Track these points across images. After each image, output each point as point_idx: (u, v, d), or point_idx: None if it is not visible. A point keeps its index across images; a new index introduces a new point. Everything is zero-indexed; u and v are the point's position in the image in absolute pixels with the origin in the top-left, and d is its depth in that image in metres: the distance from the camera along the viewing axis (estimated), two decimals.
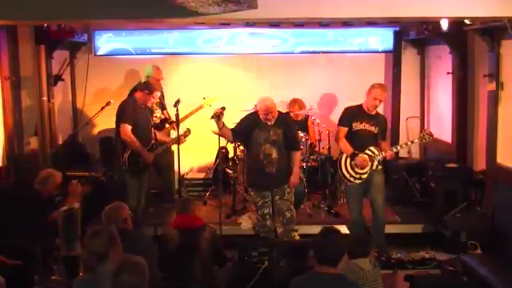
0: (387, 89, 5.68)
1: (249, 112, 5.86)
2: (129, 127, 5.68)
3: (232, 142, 6.52)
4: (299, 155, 5.75)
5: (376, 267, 3.95)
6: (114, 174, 6.53)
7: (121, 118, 5.75)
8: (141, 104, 5.84)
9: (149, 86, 5.86)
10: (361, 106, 5.62)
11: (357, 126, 5.58)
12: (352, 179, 5.60)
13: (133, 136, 5.68)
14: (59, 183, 5.12)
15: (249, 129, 5.45)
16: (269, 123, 5.38)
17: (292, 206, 5.61)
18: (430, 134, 5.65)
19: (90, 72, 7.57)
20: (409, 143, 6.03)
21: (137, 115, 5.77)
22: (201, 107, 6.79)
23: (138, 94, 5.86)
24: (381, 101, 5.59)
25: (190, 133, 6.23)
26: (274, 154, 5.38)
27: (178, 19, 4.92)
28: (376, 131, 5.61)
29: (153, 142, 5.94)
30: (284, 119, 5.59)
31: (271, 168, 5.41)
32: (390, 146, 6.09)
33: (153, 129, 6.07)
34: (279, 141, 5.40)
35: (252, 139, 5.43)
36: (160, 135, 6.24)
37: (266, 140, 5.38)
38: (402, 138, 7.71)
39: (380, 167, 5.63)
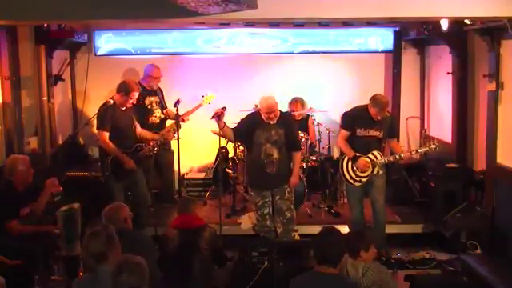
0: (385, 103, 5.50)
1: (249, 112, 5.87)
2: (106, 134, 5.64)
3: (233, 142, 6.50)
4: (300, 156, 5.74)
5: (366, 276, 3.77)
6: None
7: (98, 124, 5.72)
8: (120, 106, 5.76)
9: (125, 88, 5.75)
10: (367, 108, 5.51)
11: (360, 132, 5.53)
12: (352, 181, 5.60)
13: (110, 143, 5.62)
14: (28, 169, 5.00)
15: (250, 128, 5.44)
16: (271, 122, 5.37)
17: (292, 206, 5.61)
18: (437, 145, 5.53)
19: (90, 72, 7.57)
20: (413, 152, 5.88)
21: (116, 119, 5.69)
22: (200, 105, 6.79)
23: (116, 96, 5.76)
24: (382, 115, 5.48)
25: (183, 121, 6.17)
26: (275, 154, 5.38)
27: (177, 19, 4.92)
28: (381, 135, 5.56)
29: (137, 144, 5.85)
30: (286, 119, 5.59)
31: (272, 168, 5.40)
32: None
33: (137, 127, 5.96)
34: (280, 141, 5.39)
35: (253, 139, 5.42)
36: (146, 134, 6.09)
37: (267, 140, 5.37)
38: (402, 138, 7.72)
39: (381, 172, 5.58)
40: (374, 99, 5.46)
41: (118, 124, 5.70)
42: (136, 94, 5.82)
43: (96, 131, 5.78)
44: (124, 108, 5.79)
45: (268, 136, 5.37)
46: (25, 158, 5.10)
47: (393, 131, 5.78)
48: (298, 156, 5.63)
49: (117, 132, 5.68)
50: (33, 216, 4.92)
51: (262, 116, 5.38)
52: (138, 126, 6.02)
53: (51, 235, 5.04)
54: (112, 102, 5.74)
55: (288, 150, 5.48)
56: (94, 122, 7.06)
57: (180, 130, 5.99)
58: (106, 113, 5.69)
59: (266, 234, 5.59)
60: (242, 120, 5.67)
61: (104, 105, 5.77)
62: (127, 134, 5.81)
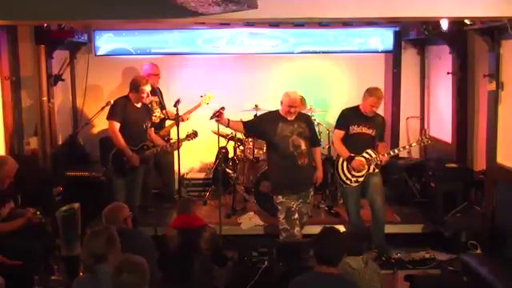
0: (382, 94, 5.64)
1: (249, 112, 5.85)
2: (116, 124, 5.66)
3: (245, 134, 6.41)
4: (320, 151, 5.72)
5: (368, 266, 3.91)
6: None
7: (109, 114, 5.77)
8: (134, 103, 5.80)
9: (134, 85, 5.78)
10: (358, 107, 5.61)
11: (354, 129, 5.57)
12: (348, 182, 5.60)
13: (119, 134, 5.64)
14: (12, 174, 4.88)
15: (272, 124, 5.33)
16: (289, 118, 5.31)
17: (309, 209, 5.64)
18: (429, 138, 5.66)
19: (90, 72, 7.57)
20: (407, 147, 6.08)
21: (128, 114, 5.73)
22: (199, 105, 6.79)
23: (130, 95, 5.83)
24: (377, 107, 5.59)
25: (196, 135, 6.06)
26: (303, 146, 5.30)
27: (177, 19, 4.92)
28: (374, 134, 5.60)
29: (144, 143, 5.85)
30: (305, 115, 5.62)
31: (303, 159, 5.30)
32: (389, 147, 6.08)
33: (150, 130, 6.01)
34: (305, 133, 5.35)
35: (277, 133, 5.29)
36: (157, 139, 6.13)
37: (292, 132, 5.30)
38: (402, 138, 7.72)
39: (377, 170, 5.63)
40: (369, 90, 5.53)
41: (128, 118, 5.72)
42: (146, 88, 5.79)
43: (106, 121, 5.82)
44: (139, 105, 5.83)
45: (292, 129, 5.31)
46: (15, 164, 4.94)
47: (382, 134, 5.79)
48: (318, 151, 5.64)
49: (125, 126, 5.70)
50: None
51: (282, 111, 5.33)
52: (152, 130, 6.04)
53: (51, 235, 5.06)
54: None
55: (310, 145, 5.44)
56: (94, 121, 7.13)
57: (180, 130, 5.96)
58: (118, 104, 5.77)
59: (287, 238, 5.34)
60: (259, 116, 5.61)
61: (117, 99, 5.89)
62: (136, 130, 5.79)
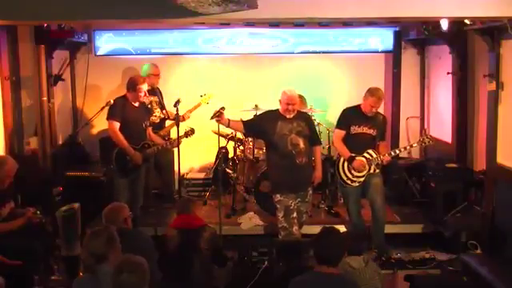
0: (383, 95, 5.65)
1: (248, 112, 5.84)
2: (116, 124, 5.67)
3: (244, 134, 6.44)
4: (320, 150, 5.71)
5: (368, 265, 3.93)
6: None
7: (108, 115, 5.78)
8: (132, 102, 5.81)
9: (131, 84, 5.80)
10: (359, 107, 5.60)
11: (355, 129, 5.56)
12: (349, 182, 5.60)
13: (119, 133, 5.66)
14: (12, 173, 4.88)
15: (271, 123, 5.34)
16: (288, 116, 5.32)
17: (308, 208, 5.63)
18: (430, 138, 5.65)
19: (90, 72, 7.57)
20: (408, 147, 6.07)
21: (127, 113, 5.75)
22: (199, 105, 6.79)
23: (127, 95, 5.84)
24: (378, 107, 5.59)
25: (193, 132, 6.15)
26: (301, 144, 5.30)
27: (177, 19, 4.92)
28: (375, 133, 5.60)
29: (145, 141, 5.87)
30: (304, 114, 5.62)
31: (301, 158, 5.30)
32: (390, 147, 6.07)
33: (149, 129, 6.02)
34: (304, 131, 5.34)
35: (276, 131, 5.30)
36: (156, 138, 6.15)
37: (290, 131, 5.30)
38: (402, 138, 7.72)
39: (377, 171, 5.63)
40: (370, 90, 5.52)
41: (127, 117, 5.74)
42: (143, 87, 5.82)
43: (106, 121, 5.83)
44: (137, 104, 5.85)
45: (291, 127, 5.30)
46: (15, 164, 4.95)
47: (383, 133, 5.79)
48: (319, 150, 5.62)
49: (125, 125, 5.71)
50: None
51: (281, 110, 5.33)
52: (150, 129, 6.05)
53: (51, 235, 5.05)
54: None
55: (309, 144, 5.43)
56: (95, 121, 7.13)
57: (180, 130, 5.97)
58: (116, 104, 5.79)
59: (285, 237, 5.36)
60: (259, 115, 5.60)
61: (116, 99, 5.89)
62: (136, 129, 5.81)
